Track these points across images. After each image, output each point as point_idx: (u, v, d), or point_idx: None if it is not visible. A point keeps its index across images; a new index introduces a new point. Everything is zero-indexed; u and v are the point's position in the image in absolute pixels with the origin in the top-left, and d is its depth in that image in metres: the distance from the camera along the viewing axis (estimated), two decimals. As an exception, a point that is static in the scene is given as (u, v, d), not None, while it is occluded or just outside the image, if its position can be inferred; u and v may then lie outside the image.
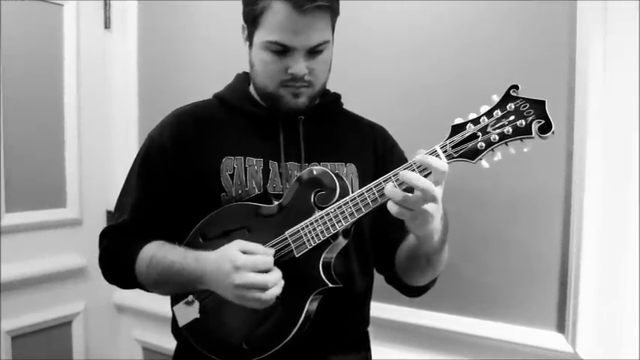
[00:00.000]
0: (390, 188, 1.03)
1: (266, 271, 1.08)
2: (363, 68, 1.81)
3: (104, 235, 1.34)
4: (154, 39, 2.36)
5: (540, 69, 1.54)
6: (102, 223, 2.39)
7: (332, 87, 1.37)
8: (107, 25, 2.40)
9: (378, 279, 1.40)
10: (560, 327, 1.55)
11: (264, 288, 1.06)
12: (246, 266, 1.07)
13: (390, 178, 1.06)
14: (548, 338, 1.56)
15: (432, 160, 1.00)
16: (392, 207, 1.02)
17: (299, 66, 1.17)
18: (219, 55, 2.14)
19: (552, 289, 1.56)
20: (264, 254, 1.10)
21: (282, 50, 1.16)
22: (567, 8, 1.50)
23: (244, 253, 1.09)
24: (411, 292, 1.33)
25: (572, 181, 1.51)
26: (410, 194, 1.00)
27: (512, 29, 1.59)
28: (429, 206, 1.01)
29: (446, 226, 1.14)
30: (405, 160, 1.20)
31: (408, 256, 1.23)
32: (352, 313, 1.32)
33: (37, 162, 2.20)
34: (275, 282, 1.08)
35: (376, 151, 1.35)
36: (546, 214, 1.56)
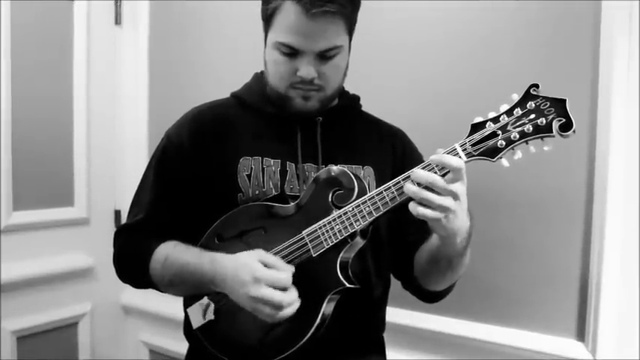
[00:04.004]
0: (408, 186, 1.03)
1: (284, 288, 1.07)
2: (382, 70, 1.79)
3: (119, 234, 1.33)
4: (166, 35, 2.34)
5: (563, 69, 1.51)
6: (110, 223, 2.39)
7: (350, 89, 1.36)
8: (118, 21, 2.39)
9: (392, 284, 1.37)
10: (580, 335, 1.53)
11: (278, 307, 1.05)
12: (266, 280, 1.05)
13: (409, 177, 1.05)
14: (567, 346, 1.53)
15: (446, 158, 1.01)
16: (412, 207, 1.02)
17: (307, 69, 1.16)
18: (232, 53, 2.13)
19: (572, 295, 1.53)
20: (284, 271, 1.08)
21: (291, 52, 1.16)
22: (591, 8, 1.47)
23: (264, 264, 1.08)
24: (429, 297, 1.31)
25: (594, 184, 1.48)
26: (427, 191, 1.01)
27: (535, 29, 1.56)
28: (446, 201, 1.00)
29: (471, 230, 1.11)
30: None
31: (428, 259, 1.21)
32: (368, 317, 1.30)
33: (46, 160, 2.19)
34: (290, 303, 1.06)
35: (395, 155, 1.35)
36: (567, 217, 1.54)
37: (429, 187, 1.01)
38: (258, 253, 1.10)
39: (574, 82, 1.50)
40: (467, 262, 1.20)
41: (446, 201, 1.00)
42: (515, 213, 1.60)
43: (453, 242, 1.09)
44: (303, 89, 1.20)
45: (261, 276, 1.05)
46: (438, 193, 1.00)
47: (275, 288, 1.05)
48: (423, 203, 1.01)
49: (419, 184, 1.02)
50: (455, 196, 1.01)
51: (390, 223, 1.29)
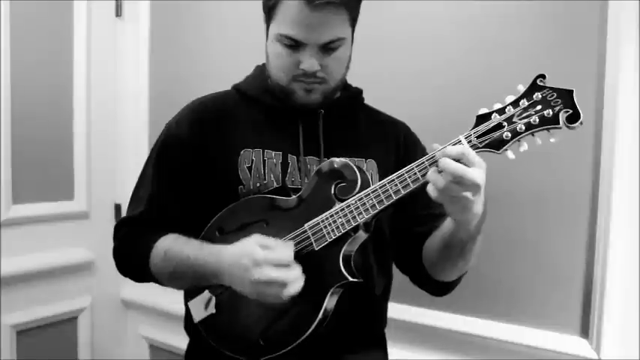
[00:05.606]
0: (433, 175, 0.99)
1: (286, 267, 1.05)
2: (385, 63, 1.78)
3: (119, 227, 1.32)
4: (166, 27, 2.33)
5: (569, 68, 1.49)
6: (110, 217, 2.38)
7: (353, 82, 1.35)
8: (118, 12, 2.38)
9: (400, 280, 1.36)
10: (584, 331, 1.51)
11: (283, 285, 1.03)
12: (266, 261, 1.04)
13: (413, 169, 1.04)
14: (571, 343, 1.52)
15: (448, 150, 0.99)
16: (432, 191, 1.00)
17: (310, 62, 1.15)
18: (233, 45, 2.11)
19: (576, 291, 1.52)
20: (284, 249, 1.07)
21: (294, 44, 1.15)
22: (598, 8, 1.46)
23: (263, 248, 1.06)
24: (438, 289, 1.29)
25: (600, 180, 1.47)
26: (454, 184, 0.97)
27: (541, 28, 1.55)
28: (476, 173, 0.97)
29: (484, 214, 1.09)
30: None
31: (441, 246, 1.18)
32: (370, 311, 1.29)
33: (46, 153, 2.18)
34: (295, 278, 1.05)
35: (398, 148, 1.33)
36: (572, 213, 1.52)
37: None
38: (256, 238, 1.09)
39: (580, 81, 1.45)
40: (477, 251, 1.17)
41: (475, 173, 0.96)
42: (520, 209, 1.59)
43: (467, 227, 1.07)
44: (305, 82, 1.18)
45: (262, 258, 1.04)
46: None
47: (278, 267, 1.04)
48: (448, 194, 0.98)
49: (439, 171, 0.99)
50: (477, 187, 0.97)
51: (393, 218, 1.28)
